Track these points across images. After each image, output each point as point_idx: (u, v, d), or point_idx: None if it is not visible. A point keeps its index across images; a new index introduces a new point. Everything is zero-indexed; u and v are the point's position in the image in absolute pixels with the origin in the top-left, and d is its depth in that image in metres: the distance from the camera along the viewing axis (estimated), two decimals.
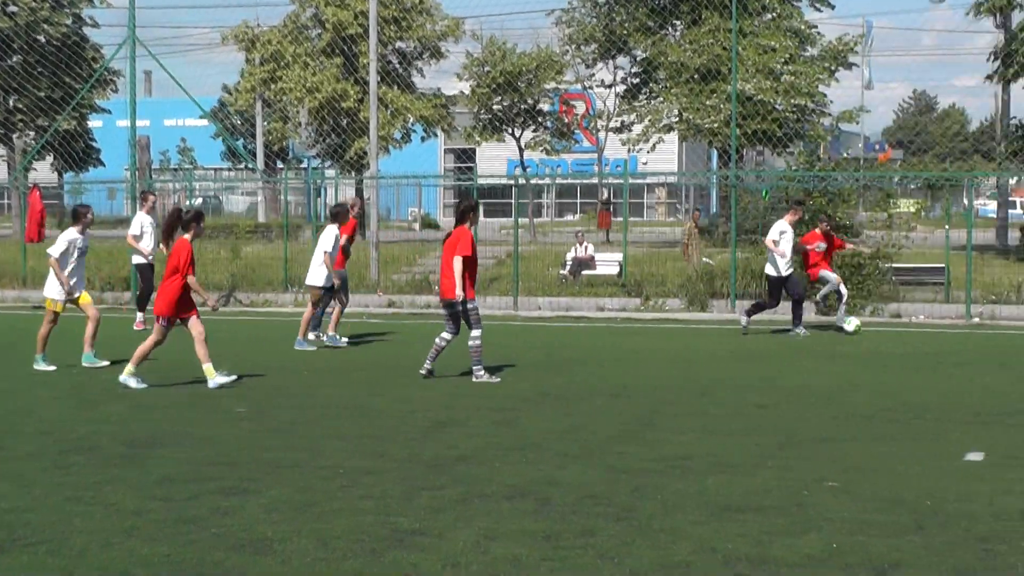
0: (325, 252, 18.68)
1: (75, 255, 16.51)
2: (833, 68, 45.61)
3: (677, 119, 45.83)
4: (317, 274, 18.81)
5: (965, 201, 28.70)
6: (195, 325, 14.73)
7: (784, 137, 42.07)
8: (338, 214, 19.24)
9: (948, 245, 26.28)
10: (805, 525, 8.25)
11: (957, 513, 8.56)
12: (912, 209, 28.84)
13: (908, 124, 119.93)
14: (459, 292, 14.89)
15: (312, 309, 18.89)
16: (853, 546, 7.76)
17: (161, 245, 19.60)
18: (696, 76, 42.87)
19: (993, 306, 24.43)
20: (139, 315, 21.55)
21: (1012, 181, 40.84)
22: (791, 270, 20.58)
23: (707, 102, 42.59)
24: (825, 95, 45.36)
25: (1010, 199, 42.33)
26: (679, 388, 14.75)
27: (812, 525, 8.25)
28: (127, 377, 14.58)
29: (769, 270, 20.74)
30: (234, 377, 14.82)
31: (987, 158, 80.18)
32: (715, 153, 51.97)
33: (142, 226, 21.42)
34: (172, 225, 15.11)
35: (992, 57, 34.05)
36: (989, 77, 35.18)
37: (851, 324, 20.87)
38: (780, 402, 13.67)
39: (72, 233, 16.50)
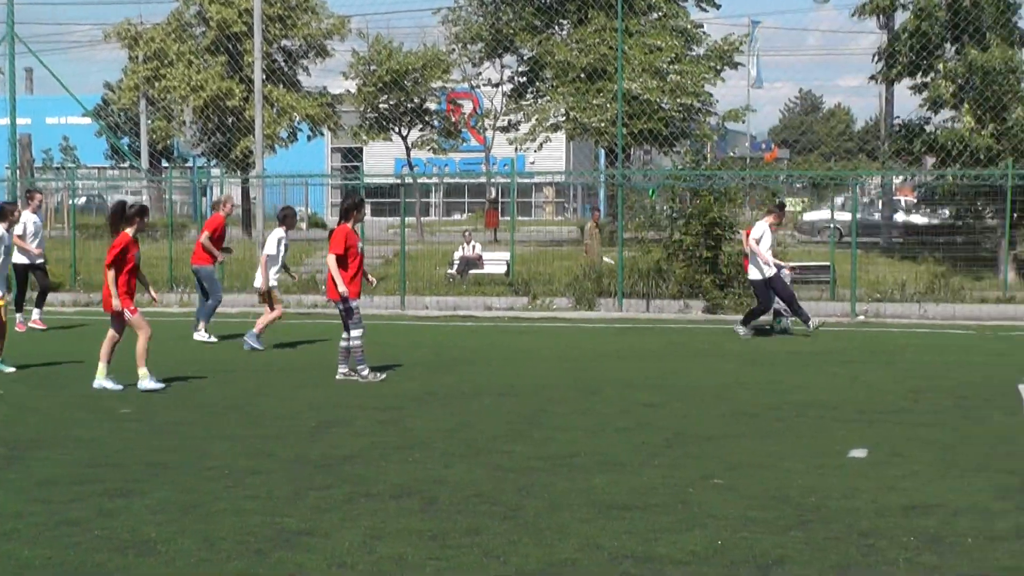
0: (267, 255, 18.44)
1: (0, 254, 16.14)
2: (719, 68, 46.06)
3: (564, 118, 45.99)
4: (257, 277, 18.67)
5: (850, 200, 29.11)
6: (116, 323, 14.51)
7: (671, 136, 42.38)
8: (285, 216, 18.89)
9: (833, 244, 26.66)
10: (690, 522, 8.31)
11: (840, 509, 8.67)
12: (798, 208, 29.23)
13: (794, 123, 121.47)
14: (342, 290, 14.80)
15: (269, 311, 18.64)
16: (738, 543, 7.82)
17: None
18: (583, 75, 43.05)
19: (878, 304, 24.81)
20: (18, 316, 21.11)
21: (897, 180, 41.51)
22: (773, 271, 20.33)
23: (594, 101, 42.78)
24: (711, 94, 45.79)
25: (895, 198, 43.01)
26: (566, 387, 14.78)
27: (697, 522, 8.31)
28: (145, 382, 14.27)
29: (753, 274, 20.32)
30: (121, 387, 14.48)
31: (872, 157, 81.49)
32: (602, 152, 52.25)
33: (25, 226, 20.96)
34: (116, 219, 14.66)
35: (876, 57, 34.57)
36: (873, 78, 35.70)
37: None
38: (668, 400, 13.75)
39: None
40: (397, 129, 52.01)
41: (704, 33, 46.76)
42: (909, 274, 27.17)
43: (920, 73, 32.42)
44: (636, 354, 18.25)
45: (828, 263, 26.69)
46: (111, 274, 14.12)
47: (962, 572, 7.28)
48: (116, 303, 14.14)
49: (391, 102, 50.98)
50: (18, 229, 20.84)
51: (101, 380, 14.36)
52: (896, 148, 32.39)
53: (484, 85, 51.53)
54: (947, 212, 33.28)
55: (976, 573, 7.27)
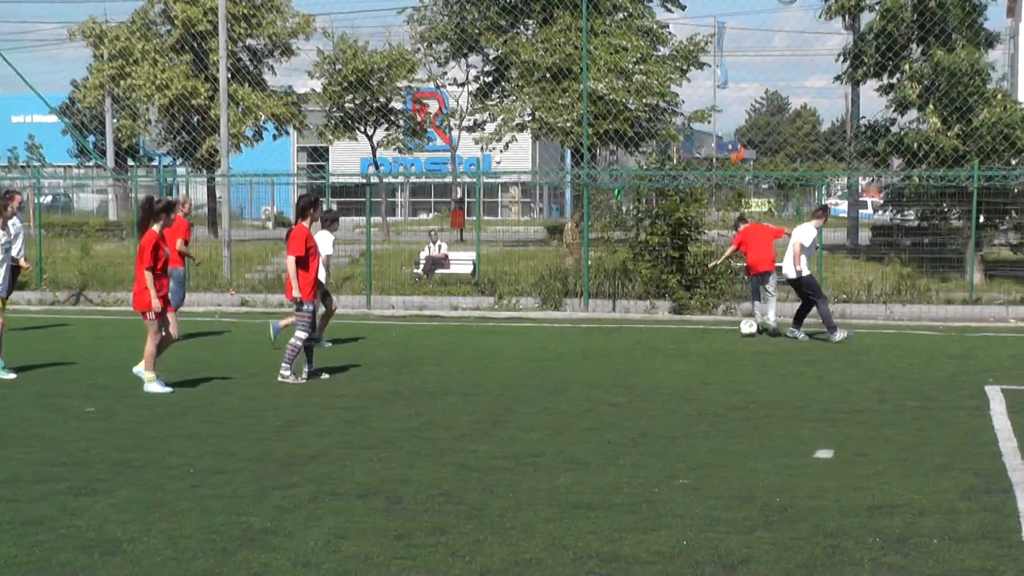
0: (327, 256, 18.10)
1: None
2: (685, 68, 46.12)
3: (530, 118, 45.98)
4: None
5: (816, 201, 29.22)
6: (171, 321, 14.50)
7: (636, 136, 42.40)
8: (327, 219, 18.55)
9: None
10: (655, 522, 8.30)
11: (806, 509, 8.68)
12: (764, 209, 29.28)
13: (760, 124, 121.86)
14: (296, 294, 14.76)
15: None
16: (703, 543, 7.82)
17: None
18: (548, 75, 43.03)
19: (844, 305, 24.88)
20: None
21: (863, 181, 41.67)
22: (807, 272, 20.33)
23: (560, 101, 42.76)
24: (677, 95, 45.83)
25: (861, 199, 43.17)
26: (531, 386, 14.77)
27: (663, 522, 8.30)
28: (151, 386, 14.21)
29: (790, 273, 20.41)
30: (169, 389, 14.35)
31: (838, 158, 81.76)
32: (568, 152, 52.24)
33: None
34: (145, 215, 14.48)
35: (842, 58, 34.65)
36: (839, 78, 35.79)
37: (749, 325, 20.91)
38: (632, 400, 13.75)
39: None
40: (363, 128, 51.94)
41: (670, 33, 46.78)
42: (876, 275, 27.28)
43: (886, 74, 32.51)
44: (601, 354, 18.24)
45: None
46: (148, 275, 14.00)
47: (927, 573, 7.28)
48: (155, 304, 14.05)
49: (357, 101, 50.92)
50: None
51: (151, 385, 14.26)
52: (862, 149, 32.48)
53: (450, 85, 51.48)
54: (912, 213, 33.37)
55: (941, 574, 7.27)
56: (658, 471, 9.89)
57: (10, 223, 20.69)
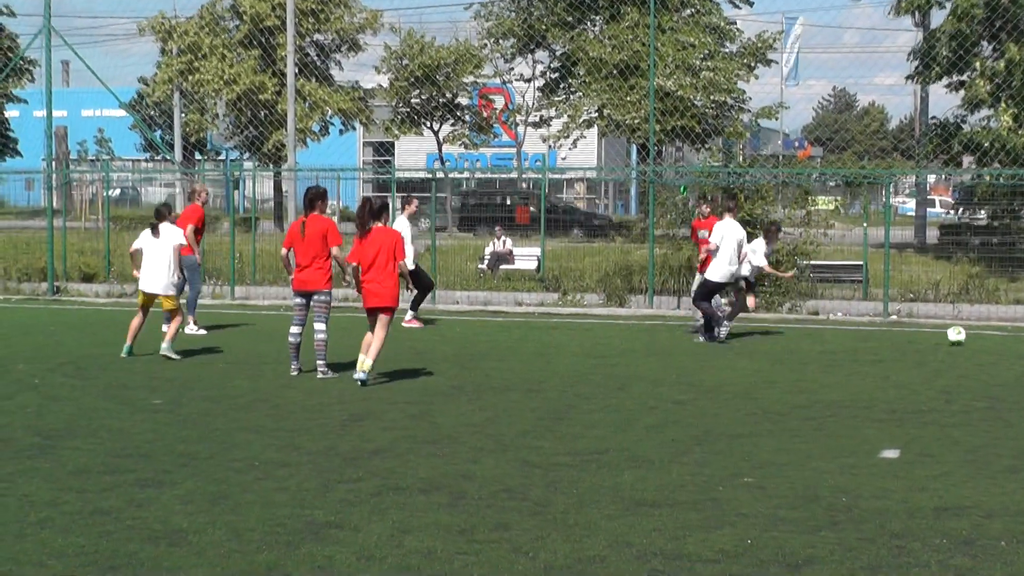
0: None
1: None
2: (752, 64, 45.94)
3: (596, 115, 45.93)
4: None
5: (884, 199, 28.98)
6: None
7: (703, 133, 42.28)
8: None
9: (866, 242, 26.52)
10: (719, 520, 8.27)
11: (871, 510, 8.61)
12: (831, 207, 29.06)
13: (828, 121, 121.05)
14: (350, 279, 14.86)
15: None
16: (767, 542, 7.78)
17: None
18: (615, 72, 42.98)
19: (911, 304, 24.66)
20: None
21: (931, 179, 41.29)
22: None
23: (627, 98, 42.72)
24: (744, 91, 45.70)
25: (929, 197, 42.79)
26: (595, 383, 14.74)
27: (726, 520, 8.27)
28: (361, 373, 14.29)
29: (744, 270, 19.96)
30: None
31: (906, 156, 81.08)
32: (634, 148, 52.16)
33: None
34: (366, 215, 14.54)
35: (912, 57, 34.35)
36: (910, 77, 35.50)
37: (957, 333, 20.30)
38: (696, 398, 13.70)
39: None
40: (428, 124, 52.12)
41: (737, 30, 46.64)
42: (944, 274, 27.00)
43: (956, 72, 32.19)
44: (666, 351, 18.18)
45: (861, 262, 26.54)
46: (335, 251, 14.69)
47: (995, 575, 7.21)
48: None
49: (423, 97, 51.13)
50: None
51: (358, 372, 14.30)
52: (931, 147, 32.17)
53: (516, 80, 51.56)
54: (983, 212, 33.03)
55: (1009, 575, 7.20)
56: (722, 469, 9.86)
57: None
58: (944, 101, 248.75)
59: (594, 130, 49.59)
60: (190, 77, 48.60)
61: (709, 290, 19.28)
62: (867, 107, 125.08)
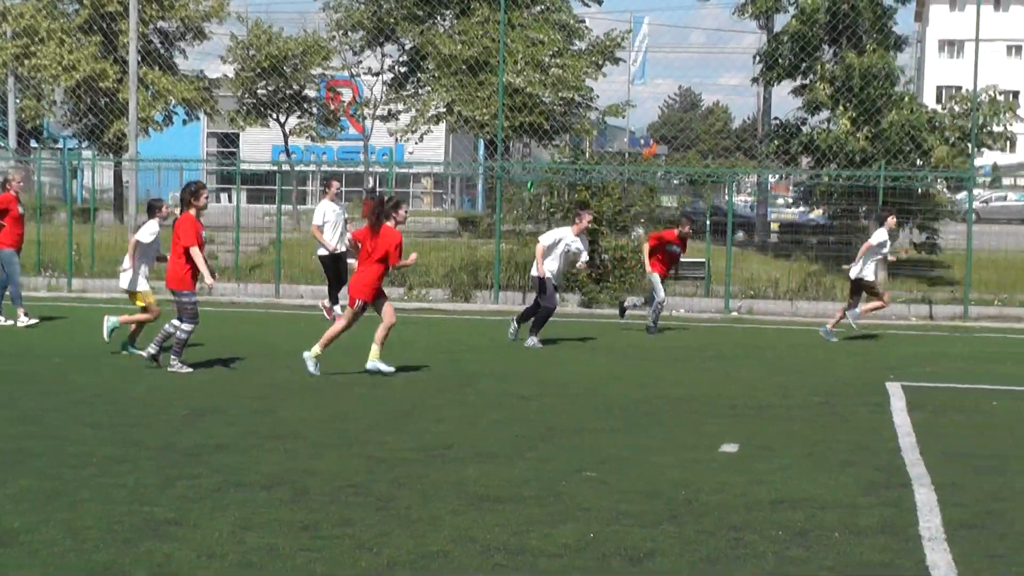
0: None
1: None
2: (600, 63, 46.31)
3: (445, 110, 45.91)
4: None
5: (726, 198, 29.43)
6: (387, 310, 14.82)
7: (551, 130, 42.53)
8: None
9: (709, 240, 26.91)
10: (562, 515, 8.32)
11: (711, 503, 8.74)
12: (675, 204, 29.44)
13: (673, 120, 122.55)
14: (209, 281, 14.76)
15: None
16: (609, 536, 7.85)
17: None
18: (465, 67, 43.01)
19: (751, 301, 25.11)
20: None
21: (772, 179, 42.03)
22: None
23: (476, 94, 42.78)
24: (592, 89, 46.03)
25: (772, 194, 43.65)
26: (441, 378, 14.75)
27: (569, 515, 8.32)
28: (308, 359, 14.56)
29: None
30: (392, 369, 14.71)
31: (748, 156, 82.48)
32: (482, 143, 52.25)
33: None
34: (377, 212, 14.96)
35: (756, 59, 34.94)
36: (755, 80, 36.12)
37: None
38: (541, 394, 13.77)
39: None
40: (275, 115, 51.55)
41: (586, 28, 46.99)
42: (783, 272, 27.54)
43: (799, 75, 32.86)
44: (511, 347, 18.25)
45: (703, 259, 26.94)
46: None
47: (828, 565, 7.37)
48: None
49: (269, 88, 50.52)
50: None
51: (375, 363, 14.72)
52: (774, 147, 32.79)
53: (364, 74, 51.28)
54: (820, 211, 33.75)
55: (842, 567, 7.36)
56: (565, 464, 9.92)
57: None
58: (786, 103, 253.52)
59: (442, 125, 49.55)
60: (26, 62, 47.37)
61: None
62: (712, 107, 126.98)
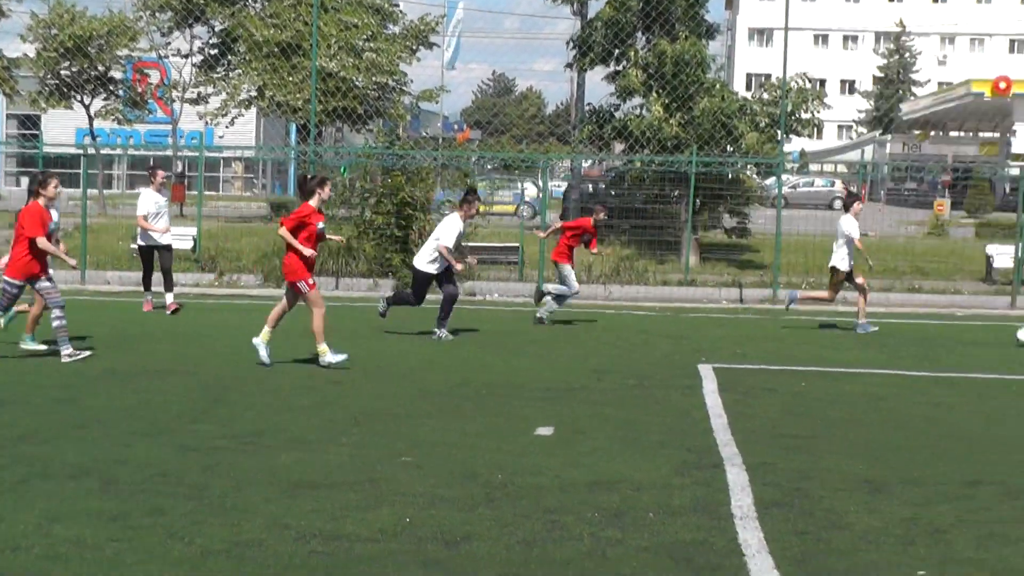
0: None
1: None
2: (415, 47, 46.24)
3: (257, 94, 45.35)
4: None
5: (540, 182, 29.63)
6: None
7: (364, 114, 42.31)
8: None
9: (523, 225, 27.03)
10: (378, 500, 8.27)
11: (527, 486, 8.77)
12: (490, 189, 29.51)
13: (487, 105, 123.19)
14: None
15: None
16: (425, 520, 7.83)
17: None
18: (277, 51, 42.53)
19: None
20: None
21: (585, 164, 42.41)
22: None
23: (288, 77, 42.34)
24: (406, 74, 45.94)
25: (584, 180, 44.04)
26: (252, 365, 14.53)
27: (385, 500, 8.28)
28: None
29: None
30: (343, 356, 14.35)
31: (562, 141, 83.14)
32: (294, 128, 51.75)
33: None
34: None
35: (570, 45, 35.19)
36: (569, 65, 36.36)
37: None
38: (355, 379, 13.68)
39: None
40: (79, 97, 50.34)
41: (400, 12, 46.88)
42: (596, 256, 27.78)
43: (613, 61, 33.18)
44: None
45: (517, 244, 27.06)
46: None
47: (643, 545, 7.46)
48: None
49: (73, 69, 49.31)
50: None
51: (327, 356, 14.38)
52: (587, 133, 33.07)
53: (173, 55, 50.42)
54: (635, 197, 34.17)
55: (656, 546, 7.45)
56: (380, 449, 9.87)
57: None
58: (600, 89, 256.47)
59: (253, 109, 48.91)
60: None
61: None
62: (525, 92, 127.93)
